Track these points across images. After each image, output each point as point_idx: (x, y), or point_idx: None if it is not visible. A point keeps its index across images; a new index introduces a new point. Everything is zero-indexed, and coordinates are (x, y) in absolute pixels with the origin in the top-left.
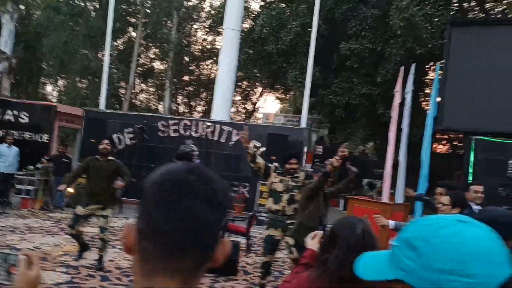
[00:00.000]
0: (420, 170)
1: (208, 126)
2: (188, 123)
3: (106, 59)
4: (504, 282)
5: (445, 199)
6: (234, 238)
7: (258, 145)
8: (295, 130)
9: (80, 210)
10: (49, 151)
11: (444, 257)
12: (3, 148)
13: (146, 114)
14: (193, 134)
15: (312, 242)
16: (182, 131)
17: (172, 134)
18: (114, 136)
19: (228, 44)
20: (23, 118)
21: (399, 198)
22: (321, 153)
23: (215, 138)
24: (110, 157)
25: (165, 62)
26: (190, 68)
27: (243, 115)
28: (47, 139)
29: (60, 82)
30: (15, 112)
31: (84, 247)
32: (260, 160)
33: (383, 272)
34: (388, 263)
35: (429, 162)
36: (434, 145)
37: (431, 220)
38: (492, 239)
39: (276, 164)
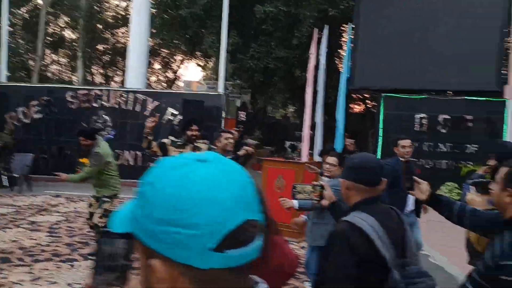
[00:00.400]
0: (336, 129)
1: (121, 95)
2: (99, 93)
3: (4, 26)
4: (236, 229)
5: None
6: None
7: (175, 113)
8: (212, 96)
9: None
10: None
11: (164, 203)
12: None
13: (52, 85)
14: (105, 104)
15: None
16: (93, 102)
17: (83, 105)
18: (19, 110)
19: (138, 8)
20: None
21: (317, 158)
22: (244, 119)
23: (130, 108)
24: None
25: (76, 30)
26: (104, 36)
27: (164, 84)
28: None
29: None
30: None
31: None
32: (153, 143)
33: (124, 225)
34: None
35: (344, 121)
36: (351, 105)
37: (170, 160)
38: (229, 181)
39: (170, 137)
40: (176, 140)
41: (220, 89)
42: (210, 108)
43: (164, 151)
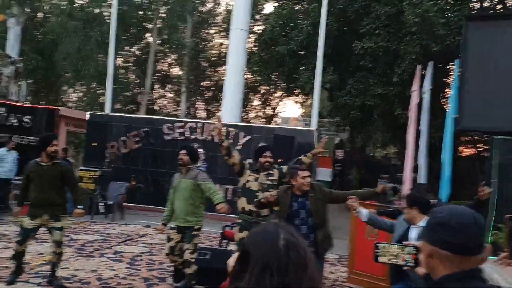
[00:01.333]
0: (441, 173)
1: (213, 129)
2: (194, 125)
3: (110, 62)
4: None
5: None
6: (232, 246)
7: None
8: (304, 131)
9: (27, 222)
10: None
11: None
12: (3, 153)
13: (151, 116)
14: (198, 137)
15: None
16: (187, 134)
17: (178, 137)
18: (120, 140)
19: (235, 44)
20: (26, 122)
21: None
22: (341, 157)
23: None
24: (56, 160)
25: (182, 67)
26: (208, 73)
27: (263, 120)
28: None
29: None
30: (19, 116)
31: (19, 270)
32: (235, 154)
33: None
34: None
35: (451, 165)
36: (460, 148)
37: None
38: None
39: (250, 160)
40: (253, 165)
41: (313, 125)
42: (302, 145)
43: (241, 170)
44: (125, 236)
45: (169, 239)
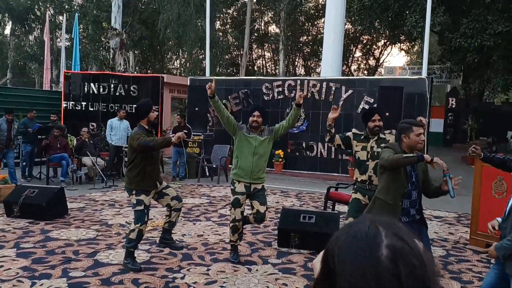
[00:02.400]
0: None
1: (314, 85)
2: (293, 83)
3: (208, 26)
4: None
5: None
6: (338, 208)
7: (370, 101)
8: (414, 81)
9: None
10: (161, 122)
11: None
12: (114, 122)
13: (249, 77)
14: None
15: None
16: (286, 93)
17: (277, 97)
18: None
19: None
20: (133, 92)
21: None
22: (454, 106)
23: (322, 97)
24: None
25: (279, 25)
26: (306, 28)
27: (366, 72)
28: (156, 111)
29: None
30: (126, 86)
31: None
32: (336, 136)
33: None
34: None
35: None
36: None
37: None
38: None
39: (354, 130)
40: (358, 133)
41: (424, 73)
42: (412, 95)
43: (348, 145)
44: (229, 198)
45: (239, 205)
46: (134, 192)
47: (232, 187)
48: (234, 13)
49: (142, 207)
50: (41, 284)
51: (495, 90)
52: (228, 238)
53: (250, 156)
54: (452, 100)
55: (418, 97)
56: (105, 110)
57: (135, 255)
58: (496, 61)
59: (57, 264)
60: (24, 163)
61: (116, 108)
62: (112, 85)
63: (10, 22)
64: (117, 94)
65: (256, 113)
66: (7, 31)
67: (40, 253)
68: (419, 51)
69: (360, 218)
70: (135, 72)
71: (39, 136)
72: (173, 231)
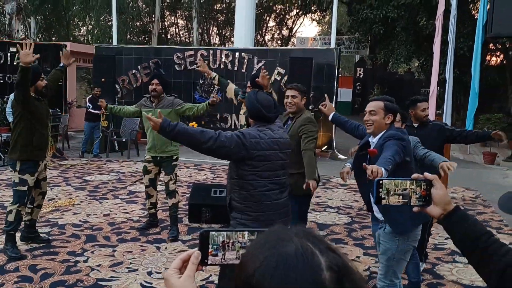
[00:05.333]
0: (471, 85)
1: (226, 55)
2: (205, 53)
3: None
4: None
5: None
6: None
7: (282, 72)
8: (323, 51)
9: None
10: (66, 93)
11: None
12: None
13: (160, 46)
14: (211, 65)
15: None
16: (199, 63)
17: (189, 67)
18: (130, 73)
19: None
20: (34, 61)
21: (447, 119)
22: (362, 76)
23: (235, 68)
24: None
25: None
26: None
27: (279, 42)
28: (60, 82)
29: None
30: None
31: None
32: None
33: None
34: None
35: (479, 76)
36: (487, 57)
37: None
38: None
39: None
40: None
41: (332, 44)
42: (321, 66)
43: None
44: (140, 174)
45: (147, 172)
46: (18, 166)
47: (145, 156)
48: None
49: (25, 188)
50: None
51: (398, 60)
52: (136, 216)
53: (151, 130)
54: (360, 70)
55: (327, 67)
56: (1, 81)
57: (17, 240)
58: (400, 33)
59: None
60: None
61: (13, 79)
62: (8, 54)
63: None
64: (15, 63)
65: (155, 81)
66: None
67: None
68: (330, 21)
69: (280, 233)
70: (38, 40)
71: None
72: (76, 211)
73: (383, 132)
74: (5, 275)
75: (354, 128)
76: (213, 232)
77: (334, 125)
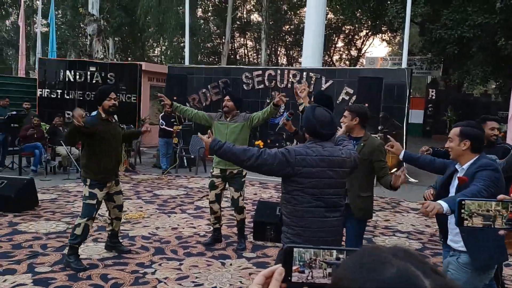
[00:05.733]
0: None
1: (294, 75)
2: (273, 73)
3: (188, 12)
4: None
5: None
6: None
7: (350, 92)
8: (393, 71)
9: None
10: (139, 111)
11: None
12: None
13: (229, 66)
14: (278, 84)
15: None
16: (267, 83)
17: (257, 86)
18: (200, 92)
19: None
20: (110, 79)
21: None
22: (434, 97)
23: None
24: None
25: (261, 13)
26: (288, 16)
27: (347, 62)
28: (134, 100)
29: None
30: (103, 74)
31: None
32: None
33: None
34: None
35: None
36: None
37: None
38: None
39: None
40: None
41: (404, 64)
42: (391, 86)
43: None
44: (207, 190)
45: (214, 187)
46: (88, 182)
47: (211, 171)
48: (216, 0)
49: (94, 202)
50: (4, 280)
51: (474, 82)
52: (203, 231)
53: None
54: (432, 91)
55: (398, 88)
56: (81, 98)
57: (80, 251)
58: (476, 53)
59: (23, 259)
60: None
61: (92, 96)
62: (88, 73)
63: None
64: (94, 81)
65: (227, 97)
66: None
67: (6, 247)
68: (401, 41)
69: (377, 255)
70: (115, 60)
71: (12, 125)
72: (146, 224)
73: (474, 159)
74: (78, 282)
75: (429, 162)
76: (300, 249)
77: (405, 147)
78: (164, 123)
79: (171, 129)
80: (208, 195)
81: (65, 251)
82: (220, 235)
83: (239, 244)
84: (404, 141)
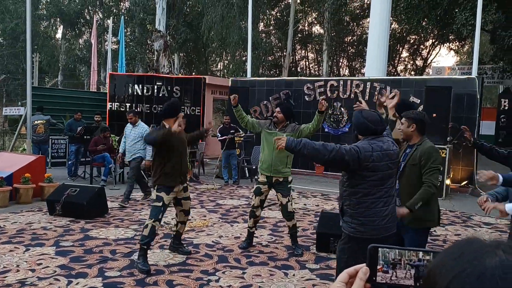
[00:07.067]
0: None
1: (357, 85)
2: (335, 83)
3: (249, 26)
4: None
5: None
6: None
7: (417, 102)
8: (462, 81)
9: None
10: (203, 123)
11: None
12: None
13: (290, 78)
14: (341, 95)
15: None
16: (329, 93)
17: (318, 97)
18: (261, 104)
19: None
20: (176, 93)
21: None
22: (507, 107)
23: (366, 98)
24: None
25: (323, 25)
26: (350, 28)
27: (413, 73)
28: (198, 112)
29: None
30: (169, 87)
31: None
32: None
33: None
34: None
35: None
36: None
37: None
38: None
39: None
40: None
41: (474, 73)
42: (461, 96)
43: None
44: (268, 200)
45: (260, 193)
46: (156, 187)
47: (256, 177)
48: (278, 14)
49: (160, 204)
50: (77, 283)
51: None
52: (265, 241)
53: (270, 151)
54: (504, 102)
55: (468, 97)
56: (148, 111)
57: (148, 254)
58: None
59: (94, 263)
60: (69, 162)
61: (159, 109)
62: (155, 87)
63: (62, 26)
64: (160, 95)
65: (277, 109)
66: (59, 35)
67: (78, 252)
68: (470, 50)
69: (478, 246)
70: (180, 74)
71: (84, 137)
72: (209, 232)
73: None
74: (145, 287)
75: None
76: (384, 248)
77: (476, 159)
78: (220, 135)
79: (226, 137)
80: (271, 204)
81: (133, 257)
82: (252, 238)
83: (296, 250)
84: (475, 153)
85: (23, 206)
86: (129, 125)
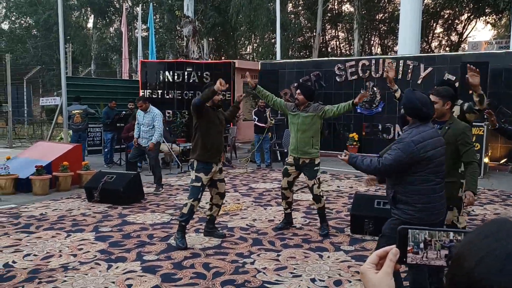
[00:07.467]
0: None
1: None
2: (367, 63)
3: (277, 7)
4: None
5: None
6: None
7: (452, 78)
8: (500, 55)
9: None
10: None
11: None
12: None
13: (320, 59)
14: (373, 74)
15: None
16: (360, 73)
17: (350, 78)
18: (292, 86)
19: None
20: (206, 78)
21: None
22: None
23: (399, 77)
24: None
25: (353, 4)
26: (381, 5)
27: (447, 49)
28: (229, 97)
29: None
30: (199, 73)
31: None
32: None
33: None
34: None
35: None
36: None
37: None
38: None
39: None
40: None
41: None
42: (498, 71)
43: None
44: (301, 183)
45: (288, 174)
46: (195, 166)
47: (287, 158)
48: None
49: (199, 184)
50: (117, 267)
51: None
52: (299, 224)
53: (295, 132)
54: None
55: (506, 72)
56: (179, 97)
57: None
58: None
59: (132, 247)
60: (105, 150)
61: (190, 95)
62: (186, 73)
63: (92, 15)
64: (191, 81)
65: (298, 91)
66: (90, 24)
67: (117, 237)
68: (507, 23)
69: (507, 224)
70: (209, 59)
71: (118, 124)
72: (243, 216)
73: None
74: (183, 270)
75: None
76: (414, 230)
77: None
78: (257, 119)
79: (264, 125)
80: (303, 187)
81: (170, 240)
82: (291, 218)
83: (322, 229)
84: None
85: (63, 193)
86: (140, 112)
